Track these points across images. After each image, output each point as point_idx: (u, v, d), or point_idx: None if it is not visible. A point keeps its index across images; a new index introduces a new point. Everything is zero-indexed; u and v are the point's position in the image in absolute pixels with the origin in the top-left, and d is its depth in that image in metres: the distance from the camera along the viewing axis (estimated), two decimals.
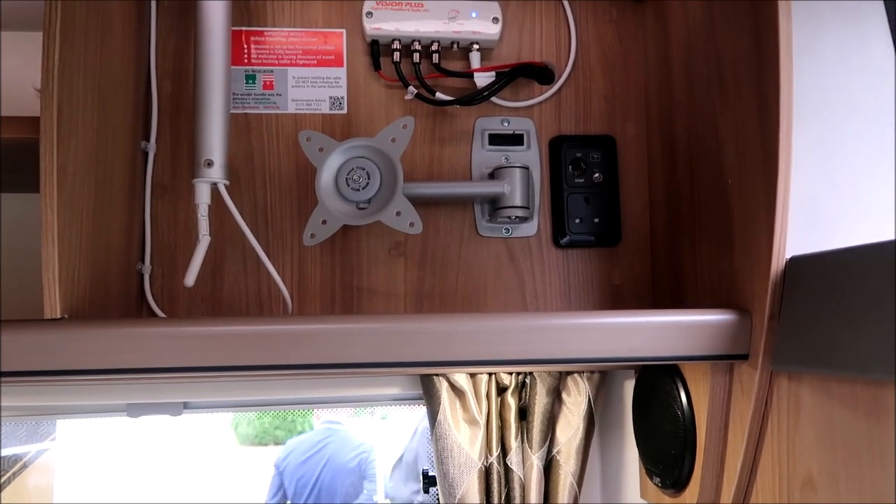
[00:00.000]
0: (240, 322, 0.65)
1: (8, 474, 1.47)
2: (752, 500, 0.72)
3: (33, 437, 1.59)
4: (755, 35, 0.67)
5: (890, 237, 0.53)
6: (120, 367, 0.63)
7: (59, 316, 0.65)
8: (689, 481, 0.79)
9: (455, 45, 0.96)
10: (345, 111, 0.97)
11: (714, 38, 0.77)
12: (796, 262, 0.64)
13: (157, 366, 0.64)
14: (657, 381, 0.86)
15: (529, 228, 0.98)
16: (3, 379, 0.61)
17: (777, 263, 0.65)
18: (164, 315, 0.91)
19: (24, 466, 1.55)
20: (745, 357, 0.69)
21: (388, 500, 2.86)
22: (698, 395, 0.77)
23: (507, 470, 0.92)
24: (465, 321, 0.67)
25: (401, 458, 2.83)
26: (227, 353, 0.64)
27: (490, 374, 0.93)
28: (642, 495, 0.94)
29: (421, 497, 2.37)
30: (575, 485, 0.92)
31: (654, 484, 0.87)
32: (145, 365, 0.63)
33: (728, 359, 0.70)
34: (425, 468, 1.10)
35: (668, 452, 0.82)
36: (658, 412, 0.85)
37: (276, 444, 9.23)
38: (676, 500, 0.83)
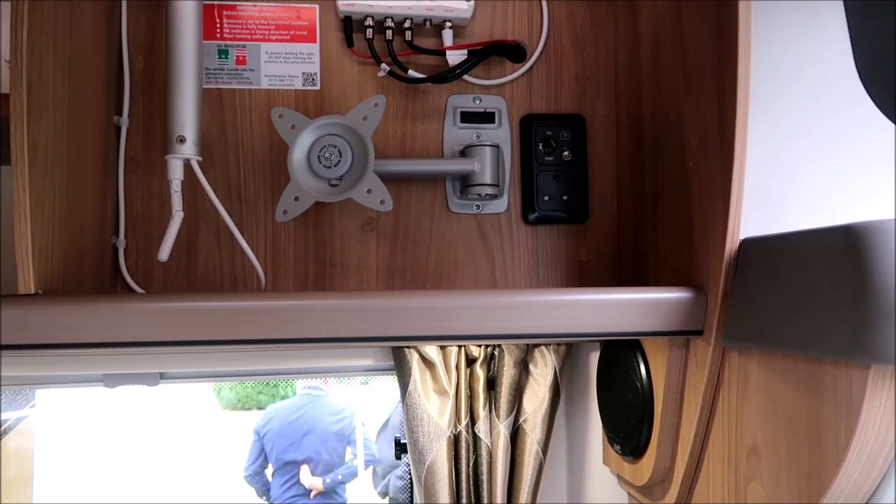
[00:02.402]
0: (215, 298, 0.67)
1: None
2: (703, 467, 0.76)
3: (12, 404, 1.61)
4: (717, 25, 0.69)
5: (834, 222, 0.56)
6: (93, 341, 0.65)
7: (32, 291, 0.67)
8: (646, 449, 0.83)
9: (428, 23, 0.97)
10: (318, 87, 0.98)
11: (680, 25, 0.79)
12: (748, 244, 0.67)
13: (132, 340, 0.65)
14: (619, 354, 0.89)
15: (500, 205, 1.00)
16: None
17: (731, 245, 0.68)
18: (139, 290, 0.93)
19: (6, 431, 1.57)
20: (699, 333, 0.72)
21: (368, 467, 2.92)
22: (657, 368, 0.81)
23: (475, 438, 0.96)
24: (434, 298, 0.69)
25: (386, 423, 2.88)
26: (203, 329, 0.66)
27: (459, 347, 0.96)
28: (604, 462, 0.98)
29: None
30: (540, 452, 0.96)
31: (615, 451, 0.91)
32: (119, 339, 0.65)
33: (684, 334, 0.73)
34: (397, 436, 1.14)
35: (628, 422, 0.86)
36: (619, 384, 0.89)
37: (260, 408, 9.30)
38: (635, 466, 0.87)
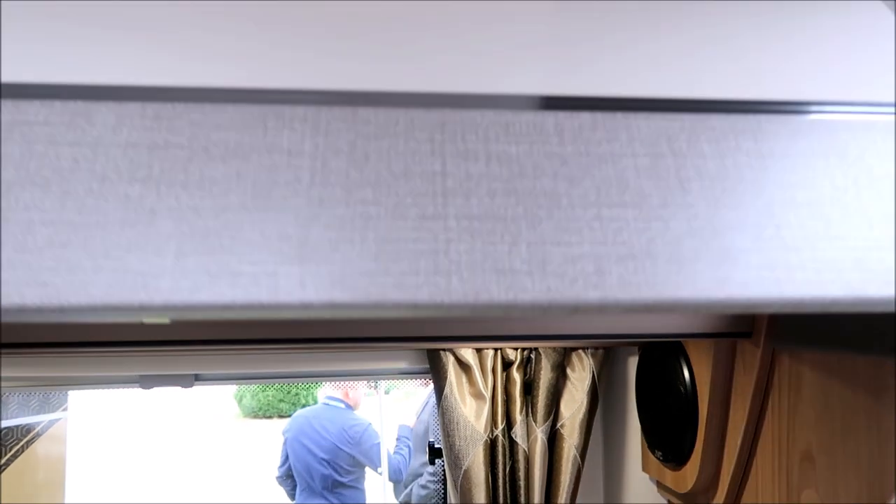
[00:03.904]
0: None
1: (21, 443, 1.50)
2: (751, 474, 0.74)
3: (45, 406, 1.62)
4: None
5: None
6: (130, 339, 0.64)
7: None
8: (690, 455, 0.81)
9: None
10: None
11: None
12: None
13: (171, 338, 0.65)
14: (661, 357, 0.87)
15: None
16: (8, 350, 0.62)
17: None
18: None
19: (37, 436, 1.58)
20: (748, 335, 0.70)
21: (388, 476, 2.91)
22: (701, 371, 0.79)
23: (512, 443, 0.94)
24: None
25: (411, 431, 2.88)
26: (241, 329, 0.65)
27: (496, 350, 0.95)
28: (644, 469, 0.96)
29: (430, 468, 2.40)
30: (578, 458, 0.94)
31: (656, 458, 0.89)
32: (157, 338, 0.65)
33: (731, 336, 0.71)
34: (431, 440, 1.13)
35: (671, 427, 0.84)
36: (661, 388, 0.87)
37: (280, 416, 9.35)
38: (677, 473, 0.85)
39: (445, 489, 0.98)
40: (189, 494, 6.33)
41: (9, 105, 0.32)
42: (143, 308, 0.29)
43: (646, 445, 0.93)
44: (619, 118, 0.35)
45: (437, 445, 1.03)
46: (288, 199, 0.32)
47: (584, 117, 0.35)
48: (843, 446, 0.59)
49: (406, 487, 2.79)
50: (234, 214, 0.31)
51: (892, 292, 0.33)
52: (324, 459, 2.84)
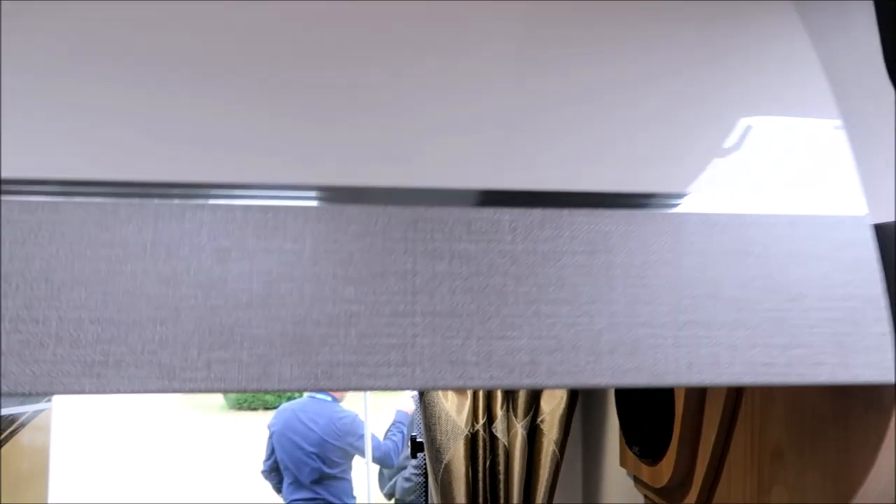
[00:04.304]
0: None
1: (6, 433, 1.49)
2: (725, 470, 0.75)
3: (29, 398, 1.61)
4: None
5: None
6: None
7: None
8: (666, 451, 0.83)
9: None
10: None
11: None
12: None
13: None
14: None
15: None
16: None
17: None
18: None
19: (21, 426, 1.57)
20: None
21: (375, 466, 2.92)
22: None
23: (493, 437, 0.96)
24: None
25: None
26: None
27: None
28: (621, 464, 0.98)
29: (413, 461, 2.41)
30: (557, 453, 0.96)
31: (633, 453, 0.91)
32: None
33: None
34: (413, 434, 1.14)
35: (648, 424, 0.85)
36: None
37: (266, 408, 9.33)
38: (653, 469, 0.86)
39: (427, 482, 0.99)
40: (175, 483, 6.32)
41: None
42: (170, 390, 0.35)
43: (624, 441, 0.95)
44: (565, 215, 0.39)
45: (419, 439, 1.05)
46: (285, 298, 0.36)
47: (535, 214, 0.39)
48: (811, 444, 0.60)
49: (391, 480, 2.80)
50: (243, 312, 0.36)
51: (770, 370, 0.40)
52: (312, 453, 2.84)
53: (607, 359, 0.38)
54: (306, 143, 0.40)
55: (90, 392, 0.34)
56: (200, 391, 0.35)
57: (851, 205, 0.44)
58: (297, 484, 2.85)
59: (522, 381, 0.37)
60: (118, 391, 0.35)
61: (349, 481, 2.95)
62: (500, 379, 0.37)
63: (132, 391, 0.35)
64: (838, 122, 0.46)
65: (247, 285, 0.36)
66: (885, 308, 0.43)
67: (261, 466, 2.94)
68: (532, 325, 0.38)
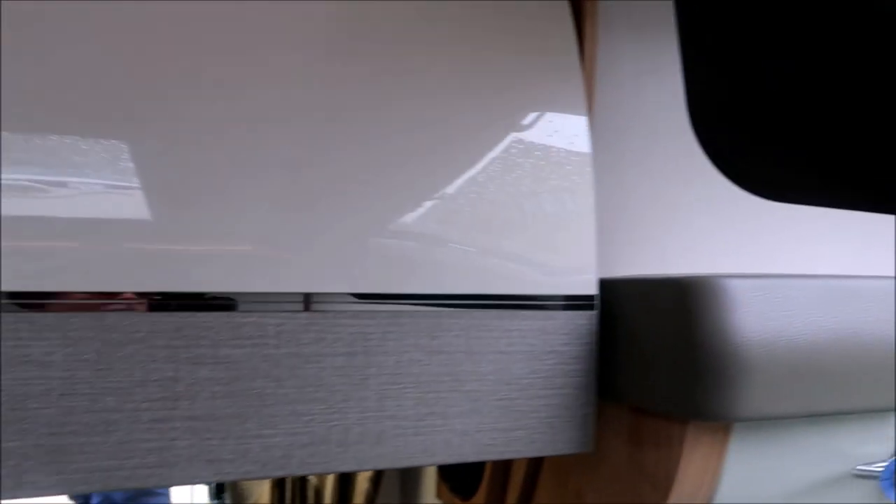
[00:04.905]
0: None
1: None
2: None
3: None
4: None
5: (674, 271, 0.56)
6: None
7: None
8: (477, 489, 0.81)
9: None
10: None
11: None
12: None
13: None
14: None
15: None
16: None
17: None
18: None
19: None
20: None
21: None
22: None
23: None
24: None
25: None
26: None
27: None
28: (437, 496, 0.95)
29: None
30: (371, 489, 0.91)
31: (448, 488, 0.89)
32: None
33: None
34: None
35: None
36: None
37: None
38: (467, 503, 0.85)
39: None
40: None
41: None
42: None
43: (440, 474, 0.93)
44: (330, 317, 0.41)
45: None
46: (39, 411, 0.37)
47: (301, 318, 0.41)
48: (607, 489, 0.60)
49: None
50: None
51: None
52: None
53: (354, 448, 0.42)
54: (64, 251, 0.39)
55: None
56: None
57: (584, 300, 0.49)
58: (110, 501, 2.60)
59: (275, 472, 0.40)
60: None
61: (166, 494, 2.74)
62: (254, 472, 0.39)
63: None
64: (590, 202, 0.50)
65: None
66: (594, 393, 0.50)
67: None
68: (288, 423, 0.40)
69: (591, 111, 0.58)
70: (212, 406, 0.39)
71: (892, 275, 0.65)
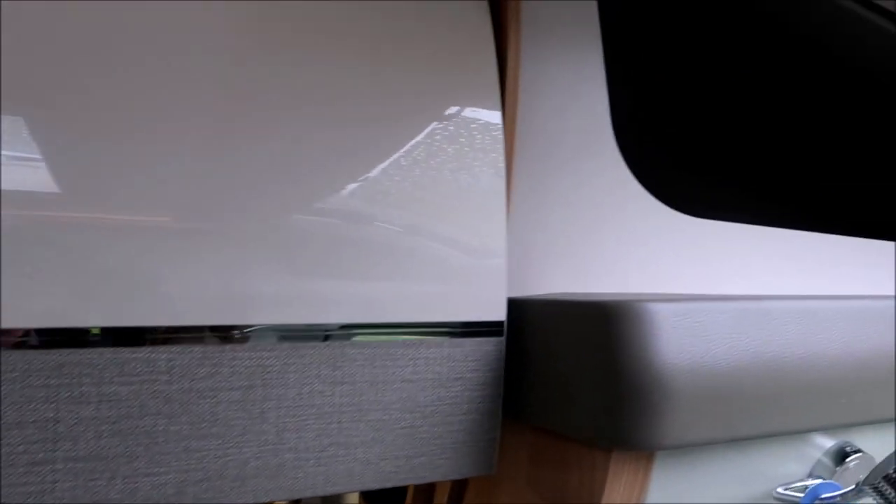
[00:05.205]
0: None
1: None
2: None
3: None
4: None
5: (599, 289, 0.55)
6: None
7: None
8: None
9: None
10: None
11: None
12: (512, 305, 0.65)
13: None
14: None
15: None
16: None
17: None
18: None
19: None
20: None
21: None
22: None
23: None
24: None
25: None
26: None
27: None
28: None
29: None
30: None
31: None
32: None
33: None
34: None
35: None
36: None
37: None
38: None
39: None
40: None
41: None
42: None
43: (362, 494, 0.90)
44: (226, 350, 0.39)
45: None
46: None
47: (196, 352, 0.39)
48: None
49: None
50: None
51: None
52: None
53: (251, 482, 0.40)
54: None
55: None
56: None
57: (492, 326, 0.48)
58: None
59: None
60: None
61: None
62: None
63: None
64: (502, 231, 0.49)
65: None
66: (499, 417, 0.49)
67: None
68: (180, 460, 0.39)
69: (513, 122, 0.56)
70: (97, 446, 0.37)
71: (805, 293, 0.67)
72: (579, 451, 0.53)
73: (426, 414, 0.46)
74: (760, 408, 0.50)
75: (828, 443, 0.58)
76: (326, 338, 0.43)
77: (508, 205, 0.55)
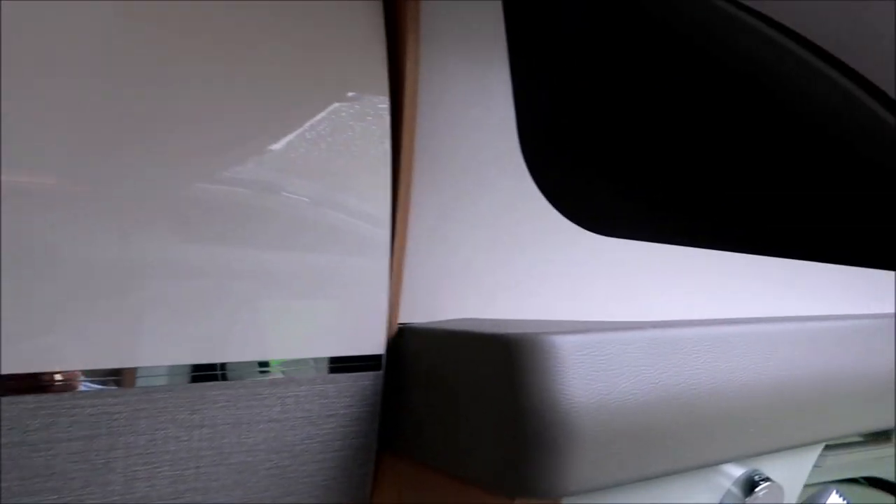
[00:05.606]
0: None
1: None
2: None
3: None
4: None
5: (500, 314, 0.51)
6: None
7: None
8: None
9: None
10: None
11: None
12: (405, 331, 0.60)
13: None
14: None
15: None
16: None
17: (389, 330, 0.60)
18: None
19: None
20: None
21: None
22: None
23: None
24: None
25: None
26: None
27: None
28: None
29: None
30: None
31: None
32: None
33: None
34: None
35: None
36: None
37: None
38: None
39: None
40: None
41: None
42: None
43: None
44: (65, 399, 0.36)
45: None
46: None
47: (28, 401, 0.35)
48: None
49: None
50: None
51: None
52: None
53: None
54: None
55: None
56: None
57: (369, 360, 0.46)
58: None
59: None
60: None
61: None
62: None
63: None
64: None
65: None
66: (374, 453, 0.47)
67: None
68: None
69: (412, 132, 0.52)
70: None
71: (717, 316, 0.65)
72: (480, 496, 0.48)
73: (295, 453, 0.44)
74: (671, 443, 0.47)
75: (737, 472, 0.56)
76: (182, 380, 0.40)
77: (406, 223, 0.51)
